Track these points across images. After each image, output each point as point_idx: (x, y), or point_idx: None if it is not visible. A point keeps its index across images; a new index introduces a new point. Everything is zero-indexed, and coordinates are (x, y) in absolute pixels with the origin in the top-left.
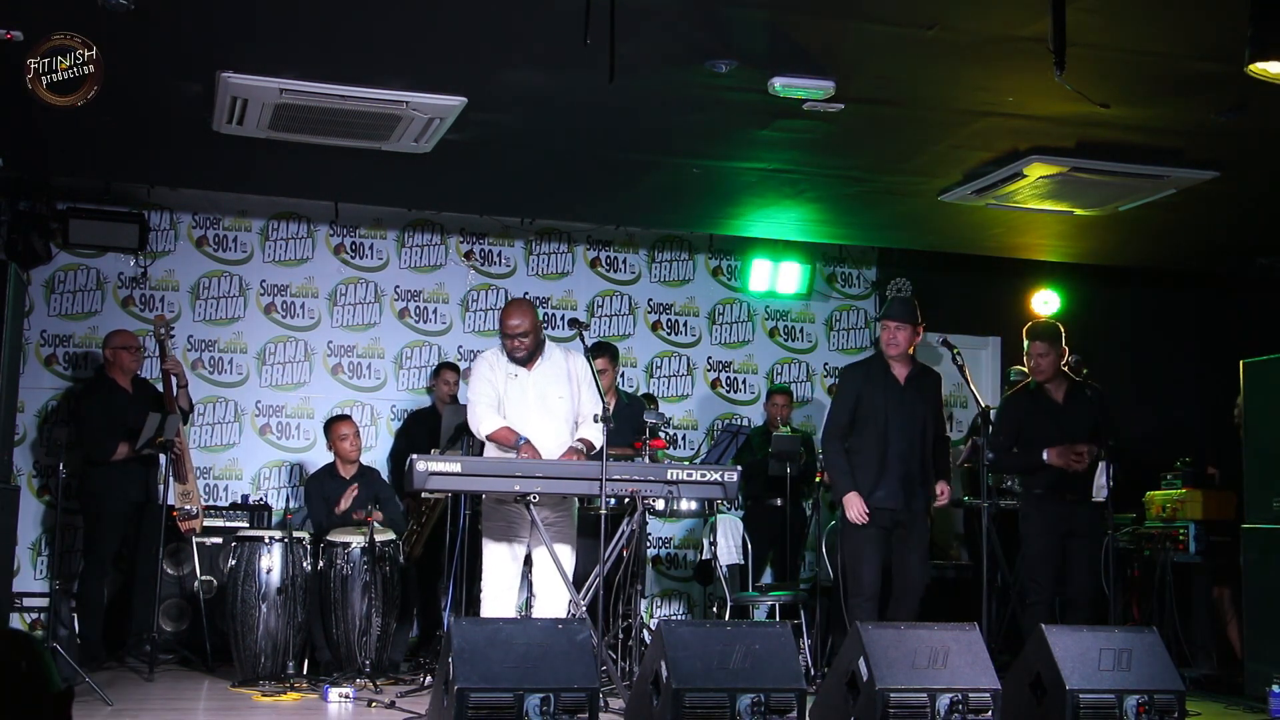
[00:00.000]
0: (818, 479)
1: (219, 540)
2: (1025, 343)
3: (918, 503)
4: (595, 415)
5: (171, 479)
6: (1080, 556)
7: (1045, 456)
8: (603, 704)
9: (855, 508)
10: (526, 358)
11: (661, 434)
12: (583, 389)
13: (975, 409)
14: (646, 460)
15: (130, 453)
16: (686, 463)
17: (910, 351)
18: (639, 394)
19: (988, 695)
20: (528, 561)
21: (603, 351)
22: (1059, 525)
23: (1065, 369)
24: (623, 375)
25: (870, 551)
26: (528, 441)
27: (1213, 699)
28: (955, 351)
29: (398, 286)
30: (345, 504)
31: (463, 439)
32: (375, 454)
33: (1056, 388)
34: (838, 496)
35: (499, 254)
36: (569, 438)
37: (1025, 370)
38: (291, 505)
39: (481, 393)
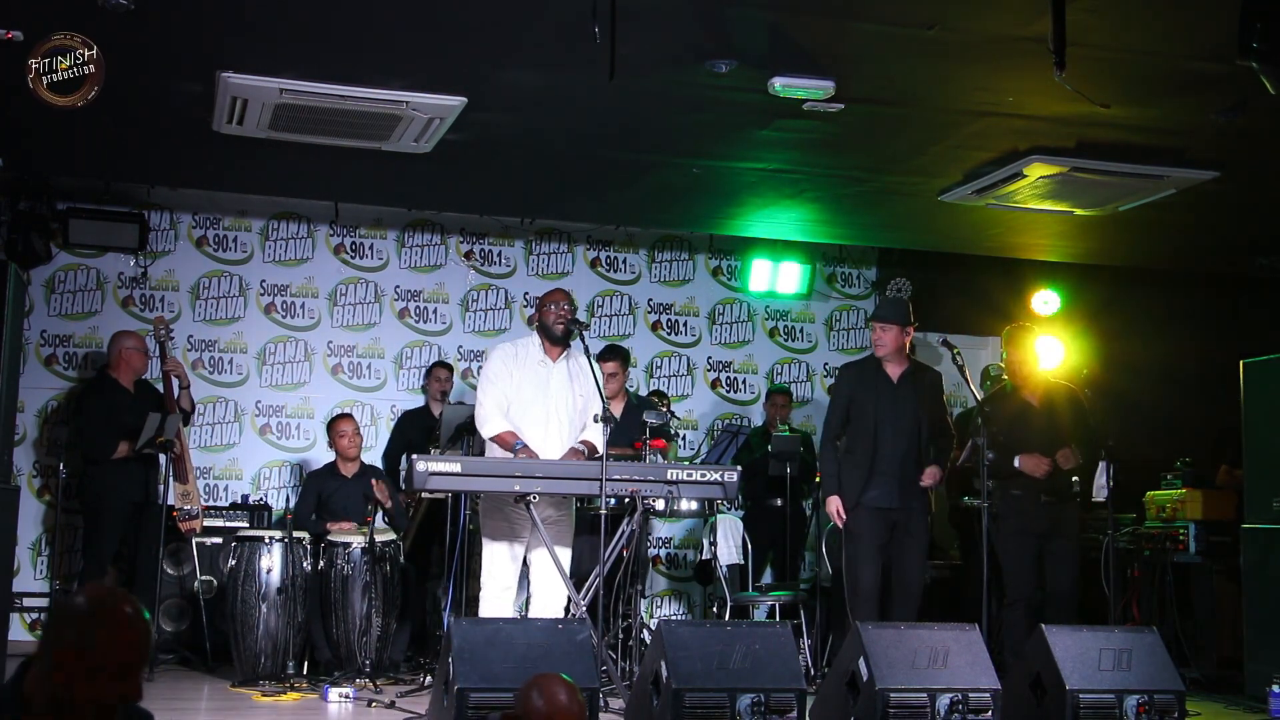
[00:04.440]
0: (816, 479)
1: (219, 540)
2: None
3: (915, 502)
4: (595, 415)
5: (172, 479)
6: (1059, 557)
7: (1016, 463)
8: (603, 704)
9: (833, 510)
10: (564, 335)
11: (665, 434)
12: (589, 388)
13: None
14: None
15: (130, 452)
16: (686, 463)
17: (905, 350)
18: (649, 393)
19: (988, 695)
20: (525, 562)
21: (614, 355)
22: (1035, 526)
23: (1044, 372)
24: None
25: (866, 553)
26: (525, 446)
27: (1213, 699)
28: (955, 351)
29: (398, 286)
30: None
31: (463, 439)
32: (375, 454)
33: (1032, 391)
34: (822, 499)
35: (499, 254)
36: (576, 436)
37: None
38: (291, 505)
39: (493, 392)
